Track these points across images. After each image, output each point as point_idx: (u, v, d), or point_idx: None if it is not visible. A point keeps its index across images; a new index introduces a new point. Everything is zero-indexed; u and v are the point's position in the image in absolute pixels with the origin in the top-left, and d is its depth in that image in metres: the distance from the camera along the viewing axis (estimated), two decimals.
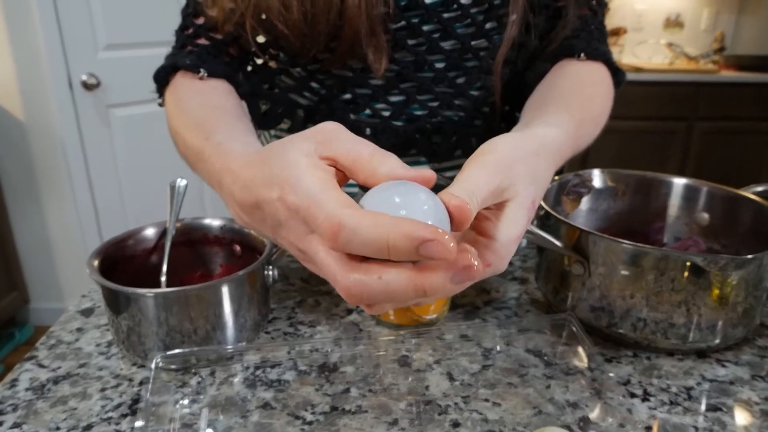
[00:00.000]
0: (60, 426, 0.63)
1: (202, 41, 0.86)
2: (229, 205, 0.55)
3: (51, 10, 2.51)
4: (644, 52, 4.43)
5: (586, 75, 0.83)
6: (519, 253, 1.04)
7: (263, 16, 0.80)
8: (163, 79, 0.84)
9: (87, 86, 2.66)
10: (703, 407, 0.65)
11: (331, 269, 0.42)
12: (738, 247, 0.83)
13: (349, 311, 0.84)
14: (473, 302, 0.87)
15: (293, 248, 0.47)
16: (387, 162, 0.44)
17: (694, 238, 0.88)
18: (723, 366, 0.73)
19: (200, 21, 0.86)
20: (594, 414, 0.64)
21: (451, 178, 0.46)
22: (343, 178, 0.47)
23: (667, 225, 0.91)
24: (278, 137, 1.06)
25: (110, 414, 0.65)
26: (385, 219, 0.39)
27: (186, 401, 0.67)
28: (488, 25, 0.86)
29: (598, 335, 0.77)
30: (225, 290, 0.71)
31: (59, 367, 0.73)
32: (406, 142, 0.93)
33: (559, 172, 0.86)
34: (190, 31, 0.86)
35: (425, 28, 0.84)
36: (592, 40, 0.89)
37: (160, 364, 0.68)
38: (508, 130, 0.73)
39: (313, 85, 0.93)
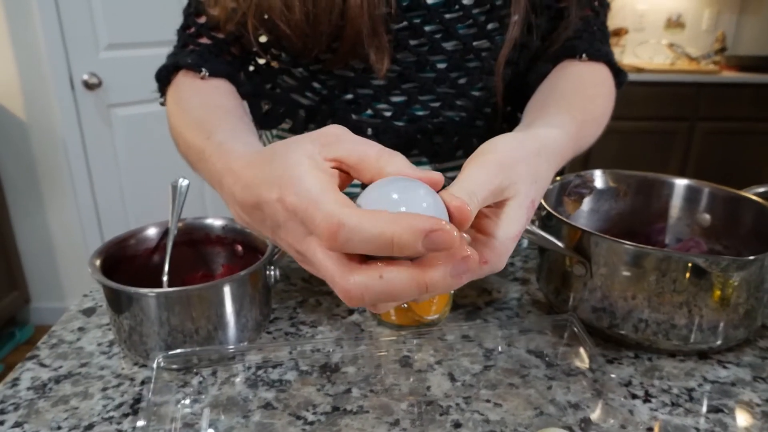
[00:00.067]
0: (61, 425, 0.63)
1: (204, 40, 0.86)
2: (229, 205, 0.55)
3: (52, 10, 2.51)
4: (645, 53, 4.43)
5: (588, 76, 0.83)
6: (520, 254, 1.04)
7: (265, 16, 0.80)
8: (164, 78, 0.84)
9: (88, 86, 2.66)
10: (704, 409, 0.65)
11: (330, 271, 0.41)
12: (739, 248, 0.83)
13: (351, 312, 0.84)
14: (475, 303, 0.87)
15: (292, 250, 0.47)
16: (394, 162, 0.44)
17: (695, 239, 0.88)
18: (724, 367, 0.73)
19: (202, 20, 0.86)
20: (595, 415, 0.64)
21: (453, 179, 0.46)
22: (346, 179, 0.47)
23: (668, 226, 0.91)
24: (280, 137, 1.06)
25: (112, 413, 0.65)
26: (386, 215, 0.39)
27: (187, 401, 0.67)
28: (490, 26, 0.86)
29: (599, 336, 0.77)
30: (227, 290, 0.71)
31: (61, 367, 0.73)
32: (407, 142, 0.93)
33: (560, 173, 0.86)
34: (192, 30, 0.86)
35: (427, 28, 0.84)
36: (594, 40, 0.89)
37: (162, 364, 0.68)
38: (509, 130, 0.73)
39: (315, 85, 0.93)
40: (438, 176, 0.44)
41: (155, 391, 0.64)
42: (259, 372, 0.71)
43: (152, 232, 0.83)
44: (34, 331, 3.03)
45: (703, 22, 4.43)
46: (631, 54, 4.42)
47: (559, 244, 0.76)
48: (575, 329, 0.72)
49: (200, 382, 0.70)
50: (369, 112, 0.92)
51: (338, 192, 0.42)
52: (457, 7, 0.83)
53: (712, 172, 3.97)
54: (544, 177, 0.54)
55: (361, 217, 0.39)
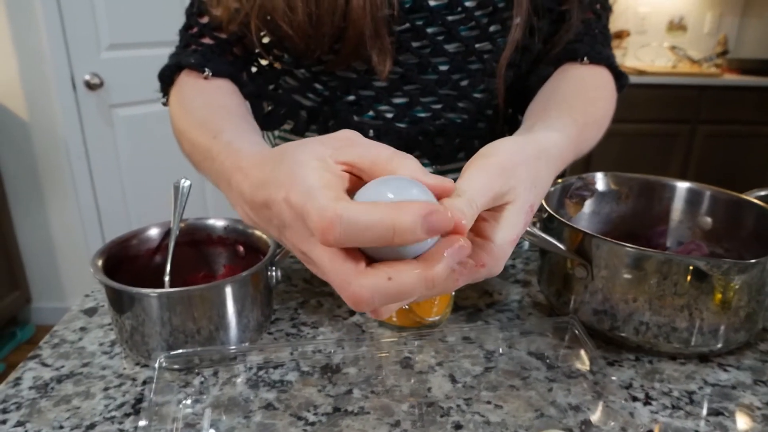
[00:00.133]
0: (63, 425, 0.63)
1: (207, 40, 0.86)
2: (237, 204, 0.55)
3: (54, 10, 2.51)
4: (647, 55, 4.43)
5: (589, 79, 0.83)
6: (522, 256, 1.04)
7: (268, 17, 0.80)
8: (167, 78, 0.84)
9: (90, 86, 2.67)
10: (704, 411, 0.65)
11: (338, 276, 0.41)
12: (741, 251, 0.83)
13: (352, 313, 0.85)
14: (476, 304, 0.87)
15: (297, 250, 0.47)
16: (406, 165, 0.44)
17: (696, 242, 0.88)
18: (725, 370, 0.73)
19: (205, 20, 0.86)
20: (596, 417, 0.64)
21: (454, 180, 0.46)
22: (358, 183, 0.46)
23: (670, 229, 0.91)
24: (282, 138, 1.06)
25: (113, 413, 0.65)
26: (383, 204, 0.39)
27: (189, 401, 0.67)
28: (492, 28, 0.86)
29: (600, 338, 0.77)
30: (228, 291, 0.71)
31: (63, 366, 0.73)
32: (409, 144, 0.93)
33: (562, 175, 0.86)
34: (195, 30, 0.87)
35: (429, 30, 0.84)
36: (596, 43, 0.89)
37: (164, 364, 0.68)
38: (511, 133, 0.73)
39: (317, 86, 0.93)
40: (450, 184, 0.44)
41: (157, 391, 0.64)
42: (261, 372, 0.72)
43: (154, 232, 0.83)
44: (35, 330, 3.03)
45: (705, 24, 4.42)
46: (632, 56, 4.42)
47: (561, 246, 0.76)
48: (576, 331, 0.72)
49: (202, 383, 0.70)
50: (370, 113, 0.92)
51: (340, 191, 0.42)
52: (459, 9, 0.83)
53: (713, 176, 3.97)
54: (543, 181, 0.54)
55: (358, 207, 0.39)
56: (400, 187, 0.41)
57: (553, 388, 0.69)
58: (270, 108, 0.95)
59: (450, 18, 0.84)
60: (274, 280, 0.78)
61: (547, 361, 0.74)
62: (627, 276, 0.71)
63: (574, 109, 0.72)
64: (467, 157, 0.51)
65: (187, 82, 0.82)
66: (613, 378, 0.70)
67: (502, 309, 0.87)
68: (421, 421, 0.63)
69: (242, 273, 0.71)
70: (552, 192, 0.87)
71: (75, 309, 0.87)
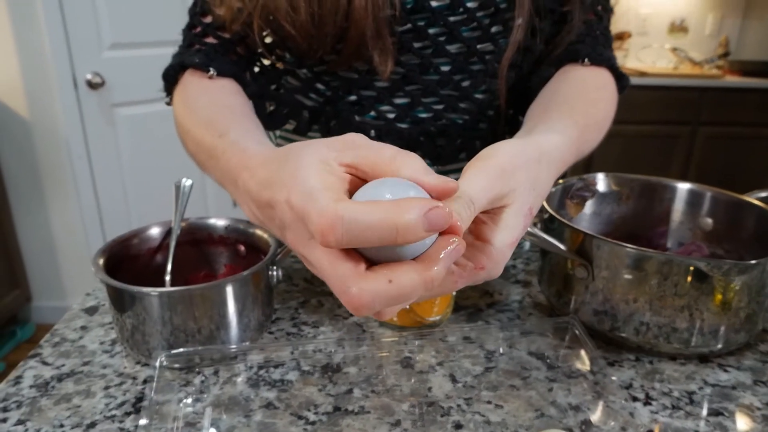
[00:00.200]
0: (64, 423, 0.63)
1: (210, 40, 0.86)
2: (243, 203, 0.55)
3: (56, 9, 2.51)
4: (648, 57, 4.43)
5: (590, 80, 0.83)
6: (522, 256, 1.04)
7: (270, 17, 0.80)
8: (171, 77, 0.84)
9: (92, 85, 2.67)
10: (704, 412, 0.65)
11: (338, 280, 0.41)
12: (741, 252, 0.83)
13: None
14: (476, 304, 0.88)
15: (297, 252, 0.47)
16: (409, 164, 0.43)
17: (697, 243, 0.88)
18: (725, 371, 0.73)
19: (208, 20, 0.86)
20: (596, 417, 0.64)
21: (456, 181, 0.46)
22: (360, 185, 0.45)
23: (670, 230, 0.91)
24: (284, 138, 1.06)
25: (114, 412, 0.65)
26: (384, 203, 0.39)
27: (189, 400, 0.67)
28: (494, 29, 0.86)
29: (600, 339, 0.77)
30: (229, 290, 0.71)
31: (63, 365, 0.73)
32: (410, 144, 0.93)
33: (563, 176, 0.86)
34: (198, 29, 0.87)
35: (431, 31, 0.85)
36: (597, 45, 0.89)
37: (164, 363, 0.68)
38: (512, 133, 0.73)
39: (319, 86, 0.93)
40: (453, 184, 0.43)
41: (157, 390, 0.64)
42: (261, 372, 0.72)
43: (155, 231, 0.83)
44: (35, 329, 3.03)
45: (706, 26, 4.42)
46: (634, 58, 4.42)
47: (561, 246, 0.76)
48: (576, 332, 0.72)
49: (202, 382, 0.70)
50: (372, 113, 0.92)
51: (341, 192, 0.42)
52: (461, 10, 0.83)
53: (714, 177, 3.97)
54: (543, 184, 0.54)
55: (360, 206, 0.38)
56: (398, 188, 0.41)
57: (554, 388, 0.69)
58: (272, 108, 0.95)
59: (452, 18, 0.84)
60: (275, 280, 0.78)
61: (548, 361, 0.74)
62: (627, 276, 0.71)
63: (575, 110, 0.72)
64: (468, 158, 0.51)
65: (191, 82, 0.82)
66: (614, 378, 0.70)
67: (502, 309, 0.87)
68: (421, 420, 0.63)
69: (243, 272, 0.71)
70: (553, 193, 0.87)
71: (76, 308, 0.87)
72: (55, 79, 2.60)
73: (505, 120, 0.98)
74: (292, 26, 0.79)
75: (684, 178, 3.70)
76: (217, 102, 0.77)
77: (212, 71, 0.80)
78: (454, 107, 0.93)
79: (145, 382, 0.71)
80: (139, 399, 0.67)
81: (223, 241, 0.85)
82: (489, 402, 0.66)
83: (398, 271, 0.40)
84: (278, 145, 1.06)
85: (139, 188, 2.93)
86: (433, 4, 0.83)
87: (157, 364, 0.66)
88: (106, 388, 0.69)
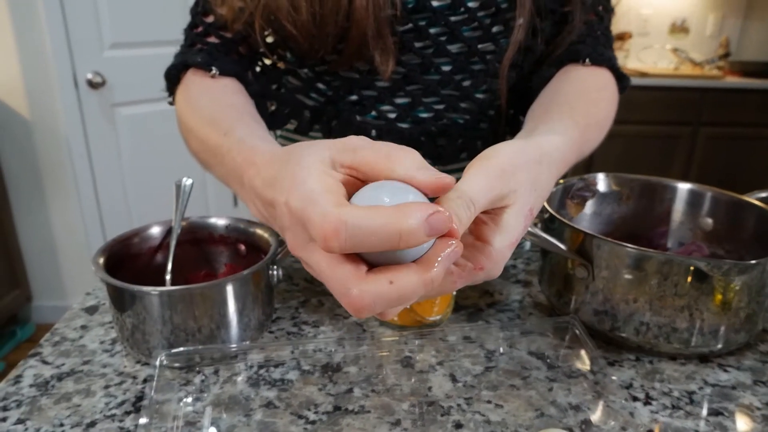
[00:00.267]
0: (64, 422, 0.63)
1: (212, 39, 0.86)
2: (249, 199, 0.55)
3: (57, 9, 2.51)
4: (649, 57, 4.43)
5: (591, 80, 0.83)
6: (523, 256, 1.04)
7: (272, 17, 0.80)
8: (174, 77, 0.84)
9: (92, 85, 2.67)
10: (704, 412, 0.65)
11: (339, 283, 0.41)
12: (741, 252, 0.83)
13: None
14: (476, 304, 0.88)
15: (296, 254, 0.47)
16: (403, 162, 0.43)
17: (697, 243, 0.88)
18: (725, 371, 0.73)
19: (210, 19, 0.86)
20: (596, 417, 0.64)
21: (456, 181, 0.46)
22: (360, 186, 0.45)
23: (670, 230, 0.91)
24: (285, 138, 1.06)
25: (114, 411, 0.65)
26: (386, 208, 0.39)
27: (189, 399, 0.67)
28: (495, 29, 0.86)
29: (600, 338, 0.77)
30: (229, 289, 0.71)
31: (63, 364, 0.73)
32: (411, 144, 0.92)
33: (563, 176, 0.86)
34: (200, 29, 0.87)
35: (432, 30, 0.85)
36: (598, 45, 0.89)
37: (164, 362, 0.68)
38: (513, 133, 0.73)
39: (320, 86, 0.93)
40: (448, 180, 0.43)
41: (157, 389, 0.64)
42: (261, 371, 0.72)
43: (155, 230, 0.83)
44: (35, 329, 3.03)
45: (707, 27, 4.42)
46: (635, 58, 4.42)
47: (562, 246, 0.76)
48: (577, 331, 0.72)
49: (202, 381, 0.70)
50: (373, 113, 0.92)
51: (341, 196, 0.42)
52: (462, 9, 0.83)
53: (714, 177, 3.97)
54: (544, 185, 0.54)
55: (362, 211, 0.38)
56: (396, 191, 0.41)
57: (554, 388, 0.69)
58: (274, 107, 0.95)
59: (453, 18, 0.84)
60: (276, 279, 0.78)
61: (548, 360, 0.74)
62: (628, 276, 0.71)
63: (575, 111, 0.72)
64: (470, 158, 0.51)
65: (193, 81, 0.82)
66: (614, 378, 0.70)
67: (503, 309, 0.87)
68: (421, 420, 0.63)
69: (243, 272, 0.71)
70: (553, 193, 0.87)
71: (76, 307, 0.87)
72: (56, 78, 2.60)
73: (506, 120, 0.98)
74: (294, 26, 0.80)
75: (685, 178, 3.70)
76: (220, 101, 0.77)
77: (215, 70, 0.81)
78: (455, 107, 0.93)
79: (145, 381, 0.71)
80: (139, 398, 0.67)
81: (224, 240, 0.85)
82: (489, 401, 0.66)
83: (398, 273, 0.40)
84: (280, 144, 1.06)
85: (139, 188, 2.94)
86: (434, 3, 0.83)
87: (157, 363, 0.66)
88: (106, 387, 0.69)
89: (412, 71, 0.88)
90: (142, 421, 0.57)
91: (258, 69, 0.93)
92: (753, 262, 0.66)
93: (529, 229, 0.76)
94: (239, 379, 0.70)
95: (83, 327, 0.82)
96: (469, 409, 0.65)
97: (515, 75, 0.93)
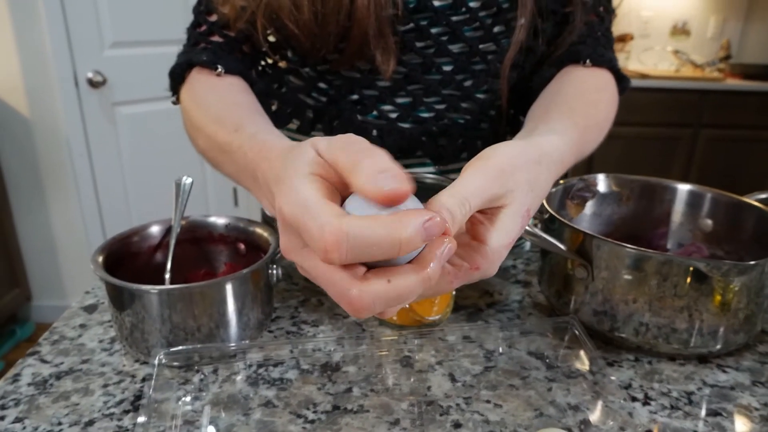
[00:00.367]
0: (62, 421, 0.63)
1: (216, 38, 0.86)
2: (263, 195, 0.55)
3: (58, 8, 2.52)
4: (650, 59, 4.43)
5: (591, 81, 0.83)
6: (522, 257, 1.04)
7: (274, 16, 0.81)
8: (178, 76, 0.84)
9: (93, 84, 2.67)
10: (703, 412, 0.65)
11: (337, 284, 0.41)
12: (741, 253, 0.83)
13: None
14: (476, 304, 0.87)
15: (289, 258, 0.47)
16: (362, 171, 0.40)
17: (697, 245, 0.88)
18: (724, 371, 0.73)
19: (213, 18, 0.86)
20: (595, 417, 0.64)
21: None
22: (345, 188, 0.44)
23: (670, 231, 0.91)
24: (286, 137, 1.06)
25: (112, 410, 0.65)
26: (385, 217, 0.39)
27: (188, 398, 0.67)
28: (496, 29, 0.86)
29: (600, 339, 0.77)
30: (229, 288, 0.71)
31: (62, 363, 0.73)
32: (412, 144, 0.93)
33: (563, 177, 0.86)
34: (204, 28, 0.87)
35: (433, 30, 0.85)
36: (598, 46, 0.89)
37: (163, 361, 0.68)
38: (513, 134, 0.73)
39: (321, 85, 0.93)
40: (402, 191, 0.40)
41: (156, 388, 0.64)
42: (260, 370, 0.72)
43: (155, 229, 0.83)
44: (34, 328, 3.03)
45: (708, 29, 4.42)
46: (636, 60, 4.42)
47: (562, 246, 0.76)
48: (576, 332, 0.72)
49: (201, 380, 0.70)
50: (374, 113, 0.92)
51: (335, 204, 0.41)
52: (463, 9, 0.83)
53: (715, 179, 3.97)
54: (542, 185, 0.54)
55: (362, 222, 0.38)
56: None
57: (553, 388, 0.69)
58: (276, 107, 0.95)
59: (454, 18, 0.84)
60: (275, 278, 0.78)
61: (547, 360, 0.74)
62: (627, 277, 0.71)
63: (575, 111, 0.72)
64: (470, 158, 0.51)
65: (198, 80, 0.82)
66: (613, 378, 0.70)
67: (502, 309, 0.87)
68: (420, 419, 0.63)
69: (243, 270, 0.71)
70: (553, 193, 0.87)
71: (75, 306, 0.87)
72: (56, 77, 2.61)
73: (506, 120, 0.98)
74: (296, 25, 0.80)
75: (685, 180, 3.69)
76: (227, 99, 0.77)
77: (220, 69, 0.81)
78: (456, 107, 0.93)
79: (143, 380, 0.71)
80: (138, 397, 0.67)
81: (223, 239, 0.85)
82: (488, 401, 0.66)
83: (396, 272, 0.41)
84: None
85: (139, 187, 2.94)
86: (436, 3, 0.83)
87: (156, 362, 0.66)
88: (105, 386, 0.69)
89: (414, 71, 0.88)
90: (141, 419, 0.57)
91: (260, 68, 0.93)
92: (752, 263, 0.66)
93: (529, 229, 0.76)
94: (238, 378, 0.70)
95: (82, 326, 0.82)
96: (468, 408, 0.65)
97: (516, 75, 0.93)
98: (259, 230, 0.82)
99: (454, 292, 0.82)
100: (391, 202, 0.40)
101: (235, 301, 0.72)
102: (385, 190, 0.39)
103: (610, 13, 0.94)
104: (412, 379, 0.70)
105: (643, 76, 3.92)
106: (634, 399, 0.67)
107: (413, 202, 0.42)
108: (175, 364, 0.71)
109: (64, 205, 2.84)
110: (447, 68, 0.88)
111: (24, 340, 2.94)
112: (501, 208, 0.49)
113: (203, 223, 0.85)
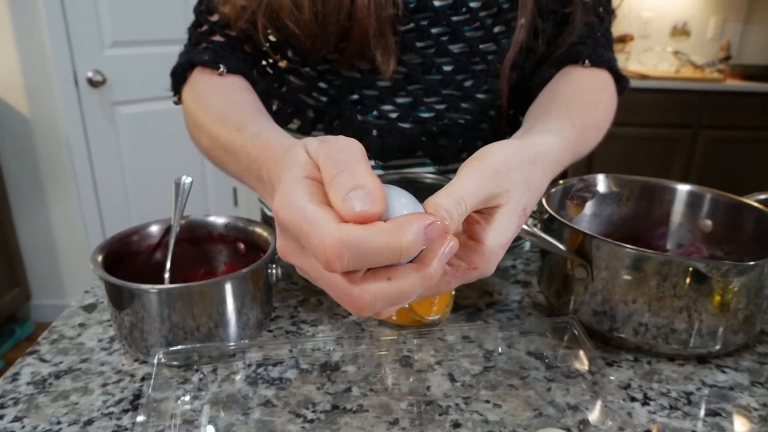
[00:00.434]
0: (61, 420, 0.63)
1: (217, 38, 0.86)
2: (269, 194, 0.55)
3: (57, 7, 2.52)
4: (650, 60, 4.43)
5: (590, 81, 0.83)
6: (522, 257, 1.04)
7: (274, 15, 0.81)
8: (180, 76, 0.84)
9: (93, 83, 2.67)
10: (702, 412, 0.65)
11: (338, 284, 0.41)
12: (740, 254, 0.83)
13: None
14: (475, 304, 0.87)
15: (287, 260, 0.47)
16: (337, 188, 0.40)
17: (696, 245, 0.88)
18: (723, 372, 0.73)
19: (214, 18, 0.86)
20: (594, 417, 0.64)
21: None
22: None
23: (670, 231, 0.91)
24: None
25: (111, 409, 0.65)
26: (383, 225, 0.39)
27: (187, 397, 0.67)
28: (497, 29, 0.86)
29: (599, 339, 0.77)
30: (228, 287, 0.71)
31: (61, 362, 0.73)
32: (412, 144, 0.93)
33: (563, 177, 0.86)
34: (205, 28, 0.87)
35: (434, 30, 0.85)
36: (598, 46, 0.89)
37: (162, 360, 0.68)
38: (513, 134, 0.73)
39: (322, 85, 0.93)
40: (372, 213, 0.39)
41: (155, 387, 0.64)
42: (260, 370, 0.72)
43: (155, 229, 0.83)
44: (34, 328, 3.03)
45: (708, 30, 4.42)
46: (636, 61, 4.42)
47: (561, 247, 0.76)
48: (575, 332, 0.72)
49: (200, 379, 0.70)
50: (374, 113, 0.92)
51: (331, 211, 0.41)
52: (464, 9, 0.83)
53: (715, 180, 3.97)
54: (537, 185, 0.54)
55: (363, 232, 0.38)
56: (390, 199, 0.41)
57: (552, 388, 0.69)
58: (277, 107, 0.95)
59: (454, 18, 0.84)
60: (275, 278, 0.78)
61: (546, 360, 0.74)
62: (627, 277, 0.71)
63: (572, 111, 0.72)
64: None
65: (200, 80, 0.82)
66: (612, 378, 0.70)
67: (502, 309, 0.87)
68: (419, 419, 0.63)
69: (242, 270, 0.71)
70: (553, 193, 0.87)
71: (74, 305, 0.87)
72: (56, 76, 2.61)
73: (506, 120, 0.98)
74: (296, 25, 0.80)
75: (685, 181, 3.70)
76: (229, 98, 0.77)
77: (222, 68, 0.80)
78: (456, 107, 0.93)
79: (143, 379, 0.70)
80: (137, 396, 0.67)
81: (223, 238, 0.85)
82: (487, 401, 0.66)
83: (397, 271, 0.41)
84: None
85: (139, 186, 2.94)
86: (436, 3, 0.83)
87: (155, 361, 0.66)
88: (104, 385, 0.69)
89: (414, 71, 0.88)
90: (140, 419, 0.57)
91: (262, 68, 0.93)
92: (751, 263, 0.66)
93: (529, 229, 0.76)
94: (237, 377, 0.70)
95: (81, 325, 0.82)
96: (467, 408, 0.65)
97: (516, 75, 0.93)
98: (258, 230, 0.82)
99: (453, 292, 0.82)
100: (362, 223, 0.39)
101: (235, 301, 0.72)
102: (356, 210, 0.39)
103: (609, 13, 0.94)
104: (411, 379, 0.70)
105: (643, 77, 3.92)
106: (633, 399, 0.67)
107: (413, 204, 0.42)
108: (175, 363, 0.71)
109: (64, 204, 2.84)
110: (447, 68, 0.88)
111: (23, 340, 2.94)
112: (497, 208, 0.49)
113: (203, 222, 0.85)
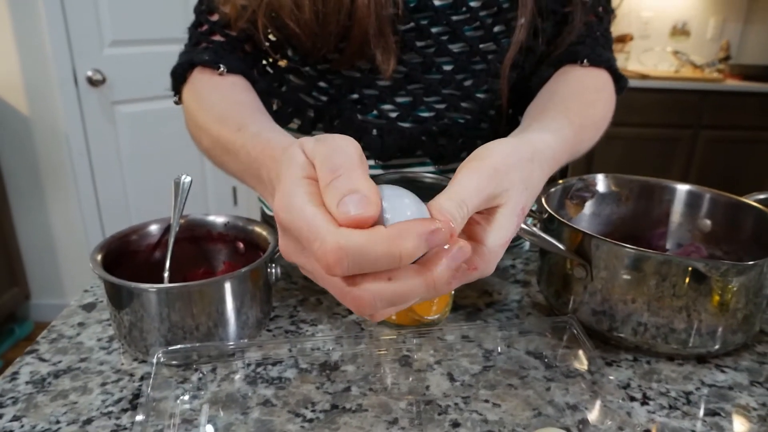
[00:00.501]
0: (60, 420, 0.63)
1: (218, 38, 0.86)
2: (270, 194, 0.55)
3: (57, 6, 2.52)
4: (650, 60, 4.43)
5: (589, 81, 0.84)
6: (521, 256, 1.04)
7: (274, 15, 0.81)
8: (180, 76, 0.84)
9: (92, 82, 2.67)
10: (701, 412, 0.65)
11: (340, 284, 0.41)
12: (740, 253, 0.83)
13: (351, 311, 0.84)
14: (475, 304, 0.87)
15: (289, 259, 0.47)
16: (332, 192, 0.41)
17: (696, 245, 0.88)
18: (722, 371, 0.73)
19: (215, 18, 0.86)
20: (593, 416, 0.64)
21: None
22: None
23: (669, 231, 0.91)
24: None
25: (110, 408, 0.65)
26: (384, 231, 0.39)
27: (186, 397, 0.67)
28: (497, 29, 0.86)
29: (598, 339, 0.77)
30: (227, 287, 0.71)
31: (60, 361, 0.73)
32: (412, 143, 0.93)
33: (563, 176, 0.86)
34: (205, 27, 0.87)
35: (434, 30, 0.85)
36: (597, 46, 0.89)
37: (162, 360, 0.68)
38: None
39: (322, 84, 0.93)
40: (365, 217, 0.40)
41: (154, 386, 0.64)
42: (259, 369, 0.72)
43: (154, 228, 0.83)
44: (33, 327, 3.03)
45: (708, 30, 4.43)
46: (635, 61, 4.42)
47: (561, 246, 0.76)
48: (575, 331, 0.72)
49: (200, 379, 0.70)
50: (374, 112, 0.92)
51: (328, 212, 0.41)
52: (464, 9, 0.83)
53: (715, 180, 3.97)
54: (536, 183, 0.54)
55: (362, 238, 0.38)
56: (392, 200, 0.42)
57: (551, 388, 0.69)
58: (278, 106, 0.95)
59: (455, 18, 0.84)
60: (274, 277, 0.78)
61: (546, 360, 0.74)
62: (626, 277, 0.71)
63: (570, 110, 0.72)
64: None
65: (200, 79, 0.82)
66: (611, 378, 0.70)
67: (501, 309, 0.87)
68: (419, 419, 0.63)
69: (242, 269, 0.71)
70: (553, 193, 0.87)
71: (73, 304, 0.87)
72: (56, 76, 2.61)
73: (506, 120, 0.99)
74: (297, 24, 0.80)
75: (684, 181, 3.70)
76: (230, 98, 0.77)
77: (222, 68, 0.81)
78: (456, 107, 0.93)
79: (142, 378, 0.70)
80: (136, 395, 0.67)
81: (222, 238, 0.85)
82: (487, 401, 0.66)
83: (397, 272, 0.41)
84: None
85: (138, 185, 2.94)
86: (436, 3, 0.83)
87: (155, 360, 0.66)
88: (103, 384, 0.69)
89: (414, 70, 0.88)
90: (139, 418, 0.57)
91: (262, 67, 0.93)
92: (751, 263, 0.66)
93: (528, 228, 0.76)
94: (237, 377, 0.70)
95: (80, 324, 0.81)
96: (466, 408, 0.65)
97: (516, 75, 0.93)
98: (258, 229, 0.82)
99: (453, 292, 0.82)
100: (357, 227, 0.39)
101: (234, 300, 0.72)
102: (350, 215, 0.39)
103: (609, 13, 0.94)
104: (410, 379, 0.70)
105: (643, 77, 3.92)
106: (632, 399, 0.67)
107: (416, 204, 0.42)
108: (174, 362, 0.71)
109: (64, 203, 2.84)
110: (447, 68, 0.88)
111: (23, 339, 2.94)
112: (497, 208, 0.49)
113: (202, 221, 0.85)
